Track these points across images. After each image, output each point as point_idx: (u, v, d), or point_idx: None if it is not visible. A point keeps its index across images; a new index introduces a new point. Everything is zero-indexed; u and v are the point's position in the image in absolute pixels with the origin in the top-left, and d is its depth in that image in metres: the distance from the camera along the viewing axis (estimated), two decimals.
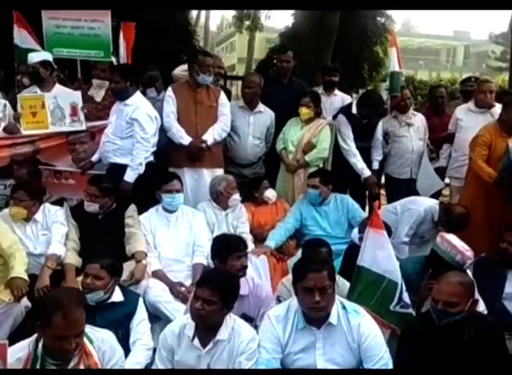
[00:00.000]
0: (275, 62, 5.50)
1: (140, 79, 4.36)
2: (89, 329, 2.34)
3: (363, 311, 2.60)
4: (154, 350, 2.76)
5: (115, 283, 2.95)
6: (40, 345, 2.24)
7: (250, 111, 4.58)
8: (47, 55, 4.40)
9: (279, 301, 3.06)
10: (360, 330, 2.51)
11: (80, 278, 3.16)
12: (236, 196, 4.05)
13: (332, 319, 2.52)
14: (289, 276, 2.90)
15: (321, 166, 4.58)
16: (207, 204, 4.08)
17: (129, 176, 3.87)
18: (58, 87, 4.38)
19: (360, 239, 3.54)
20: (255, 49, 20.89)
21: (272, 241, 4.01)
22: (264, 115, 4.63)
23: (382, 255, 2.93)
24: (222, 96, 4.35)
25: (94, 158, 4.17)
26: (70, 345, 2.17)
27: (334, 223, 4.18)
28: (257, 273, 3.66)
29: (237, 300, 2.81)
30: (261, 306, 3.06)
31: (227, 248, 3.12)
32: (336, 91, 5.18)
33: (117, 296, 2.93)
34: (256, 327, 2.81)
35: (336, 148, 4.66)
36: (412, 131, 5.05)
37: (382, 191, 5.48)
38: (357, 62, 10.78)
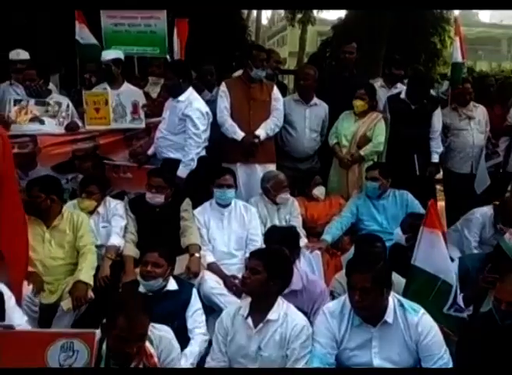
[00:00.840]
0: (331, 54, 5.42)
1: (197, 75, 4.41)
2: (150, 328, 2.34)
3: (421, 309, 2.53)
4: (210, 342, 2.82)
5: (172, 271, 3.05)
6: (104, 346, 2.25)
7: (305, 104, 4.55)
8: (119, 53, 4.53)
9: (333, 296, 3.04)
10: (419, 328, 2.45)
11: (138, 269, 3.26)
12: (284, 195, 4.02)
13: (388, 317, 2.48)
14: (343, 271, 2.87)
15: (375, 160, 4.49)
16: (259, 198, 4.10)
17: (182, 172, 3.94)
18: (126, 85, 4.50)
19: (407, 240, 3.46)
20: (307, 43, 20.67)
21: (328, 236, 3.98)
22: (320, 107, 4.58)
23: (436, 255, 2.86)
24: (275, 91, 4.35)
25: (150, 152, 4.28)
26: (132, 349, 2.16)
27: (391, 219, 4.07)
28: (310, 268, 3.65)
29: (291, 295, 2.84)
30: (315, 302, 3.03)
31: (280, 240, 3.13)
32: (399, 85, 4.97)
33: (172, 285, 3.02)
34: (310, 323, 2.80)
35: (390, 143, 4.54)
36: (473, 124, 4.87)
37: (441, 187, 5.32)
38: (413, 54, 10.46)
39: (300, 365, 2.50)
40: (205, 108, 4.02)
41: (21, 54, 4.65)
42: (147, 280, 2.93)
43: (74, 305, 3.13)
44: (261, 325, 2.57)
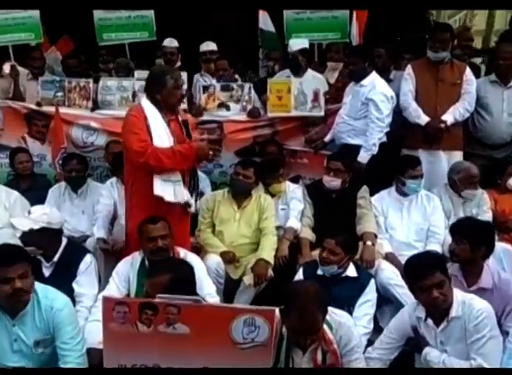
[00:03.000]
0: None
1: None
2: (329, 312, 2.36)
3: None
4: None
5: (350, 259, 3.05)
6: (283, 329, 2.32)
7: (503, 86, 4.14)
8: (305, 43, 4.61)
9: None
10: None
11: (314, 252, 3.35)
12: (472, 191, 3.73)
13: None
14: None
15: None
16: (443, 189, 3.85)
17: (363, 157, 3.88)
18: (309, 72, 4.57)
19: None
20: (495, 19, 18.66)
21: None
22: None
23: None
24: (468, 72, 4.03)
25: (327, 138, 4.30)
26: (306, 341, 2.24)
27: None
28: (500, 265, 3.31)
29: (480, 293, 2.63)
30: (508, 303, 2.76)
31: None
32: None
33: (351, 272, 3.03)
34: (501, 326, 2.56)
35: None
36: None
37: None
38: None
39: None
40: (390, 92, 3.91)
41: (210, 45, 5.01)
42: (323, 264, 3.00)
43: (255, 282, 3.32)
44: (444, 324, 2.44)
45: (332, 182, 3.67)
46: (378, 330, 2.94)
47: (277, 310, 2.14)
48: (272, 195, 3.85)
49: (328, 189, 3.72)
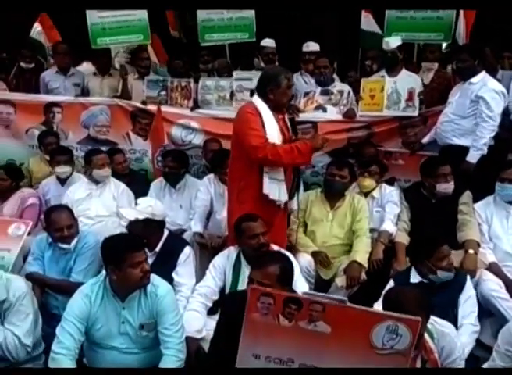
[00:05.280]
0: None
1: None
2: (431, 321, 2.30)
3: None
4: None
5: None
6: None
7: None
8: (400, 40, 4.52)
9: None
10: None
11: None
12: None
13: None
14: None
15: None
16: None
17: (473, 157, 3.71)
18: (404, 72, 4.48)
19: None
20: None
21: None
22: None
23: None
24: None
25: (425, 140, 4.17)
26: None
27: None
28: None
29: None
30: None
31: None
32: None
33: None
34: None
35: None
36: None
37: None
38: None
39: None
40: (501, 88, 3.73)
41: (312, 46, 5.02)
42: (446, 271, 2.83)
43: (348, 284, 3.28)
44: None
45: (448, 188, 3.53)
46: (479, 344, 2.81)
47: (420, 320, 2.04)
48: (365, 195, 3.80)
49: (430, 193, 3.60)
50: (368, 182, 3.81)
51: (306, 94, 4.53)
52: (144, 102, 4.70)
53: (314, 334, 1.95)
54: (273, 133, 3.11)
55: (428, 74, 4.57)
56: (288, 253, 3.12)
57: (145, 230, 3.10)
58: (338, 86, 4.62)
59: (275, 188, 3.11)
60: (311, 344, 1.98)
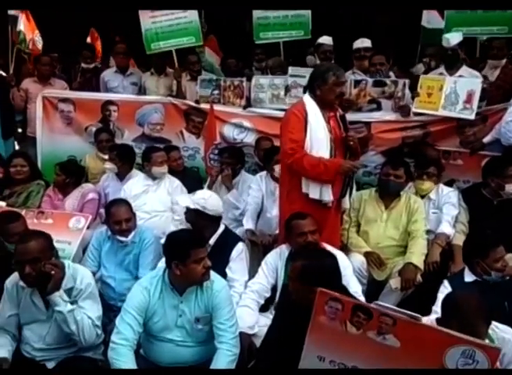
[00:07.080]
0: None
1: None
2: (492, 326, 2.24)
3: None
4: None
5: None
6: None
7: None
8: (461, 36, 4.38)
9: None
10: None
11: None
12: None
13: None
14: None
15: None
16: None
17: None
18: (464, 69, 4.36)
19: None
20: None
21: None
22: None
23: None
24: None
25: (486, 139, 3.98)
26: None
27: None
28: None
29: None
30: None
31: None
32: None
33: None
34: None
35: None
36: None
37: None
38: None
39: None
40: None
41: (365, 42, 4.93)
42: (500, 272, 2.75)
43: (402, 286, 3.22)
44: None
45: None
46: None
47: (502, 350, 2.00)
48: (421, 197, 3.70)
49: (493, 195, 3.50)
50: (427, 185, 3.71)
51: (357, 83, 4.38)
52: (197, 101, 4.77)
53: (381, 346, 1.92)
54: (319, 131, 3.08)
55: (494, 72, 4.42)
56: (340, 253, 3.10)
57: (197, 220, 3.14)
58: (392, 76, 4.48)
59: (315, 187, 3.09)
60: (378, 355, 1.95)
